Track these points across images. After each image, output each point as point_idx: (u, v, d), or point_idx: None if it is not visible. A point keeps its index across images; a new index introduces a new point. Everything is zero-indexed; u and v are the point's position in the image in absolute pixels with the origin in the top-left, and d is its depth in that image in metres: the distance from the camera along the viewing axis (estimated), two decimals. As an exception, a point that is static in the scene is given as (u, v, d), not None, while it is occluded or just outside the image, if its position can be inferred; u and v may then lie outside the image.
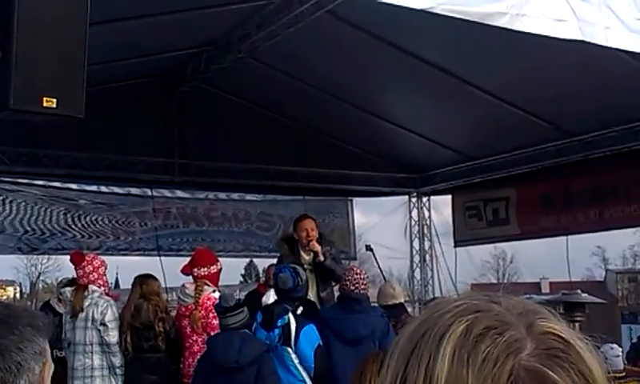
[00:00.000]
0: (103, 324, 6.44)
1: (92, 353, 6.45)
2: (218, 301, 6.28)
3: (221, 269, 7.01)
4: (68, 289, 6.89)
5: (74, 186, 11.43)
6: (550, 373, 0.81)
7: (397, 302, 6.97)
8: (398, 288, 7.29)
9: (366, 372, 3.03)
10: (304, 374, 5.95)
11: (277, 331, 5.93)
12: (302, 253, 6.94)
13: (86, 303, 6.48)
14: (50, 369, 1.39)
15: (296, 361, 5.94)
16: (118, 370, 6.49)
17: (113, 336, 6.45)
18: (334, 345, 6.12)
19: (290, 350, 5.93)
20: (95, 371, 6.43)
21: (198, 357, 6.34)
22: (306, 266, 6.69)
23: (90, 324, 6.45)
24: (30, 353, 1.32)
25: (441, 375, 0.81)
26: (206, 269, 6.80)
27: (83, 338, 6.44)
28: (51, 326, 1.44)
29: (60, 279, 9.88)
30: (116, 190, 11.82)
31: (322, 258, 6.83)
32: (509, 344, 0.82)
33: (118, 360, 6.48)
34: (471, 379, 0.80)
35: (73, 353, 6.48)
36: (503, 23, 5.23)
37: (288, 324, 5.95)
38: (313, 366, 5.94)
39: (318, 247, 6.84)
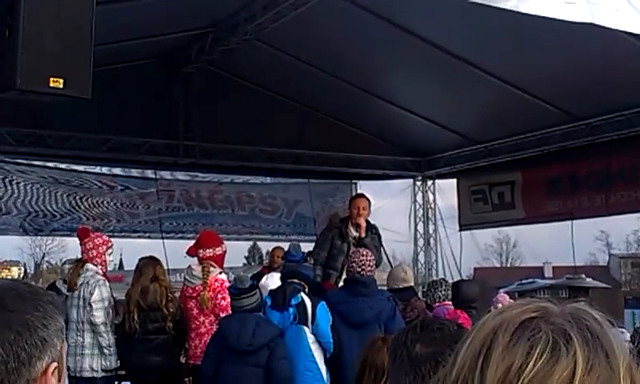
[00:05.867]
0: (90, 304, 6.47)
1: (83, 331, 6.50)
2: (232, 282, 6.27)
3: (225, 251, 7.02)
4: (67, 266, 6.93)
5: (78, 168, 11.43)
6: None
7: (407, 285, 6.97)
8: (410, 272, 7.33)
9: (370, 355, 3.01)
10: (317, 356, 5.96)
11: (291, 310, 5.93)
12: (350, 228, 7.52)
13: (80, 281, 6.54)
14: (65, 346, 1.44)
15: (311, 340, 5.93)
16: (105, 350, 6.51)
17: (98, 317, 6.46)
18: (339, 328, 6.10)
19: (306, 329, 5.92)
20: (85, 349, 6.48)
21: (206, 338, 6.35)
22: (351, 240, 7.36)
23: (81, 302, 6.51)
24: (53, 329, 1.36)
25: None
26: (211, 250, 6.81)
27: (76, 315, 6.50)
28: (63, 305, 1.49)
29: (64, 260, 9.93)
30: (120, 171, 11.82)
31: (363, 235, 7.41)
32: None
33: (104, 340, 6.50)
34: None
35: (67, 330, 6.50)
36: (510, 6, 5.19)
37: (302, 303, 5.95)
38: (331, 341, 5.97)
39: (362, 222, 7.44)
